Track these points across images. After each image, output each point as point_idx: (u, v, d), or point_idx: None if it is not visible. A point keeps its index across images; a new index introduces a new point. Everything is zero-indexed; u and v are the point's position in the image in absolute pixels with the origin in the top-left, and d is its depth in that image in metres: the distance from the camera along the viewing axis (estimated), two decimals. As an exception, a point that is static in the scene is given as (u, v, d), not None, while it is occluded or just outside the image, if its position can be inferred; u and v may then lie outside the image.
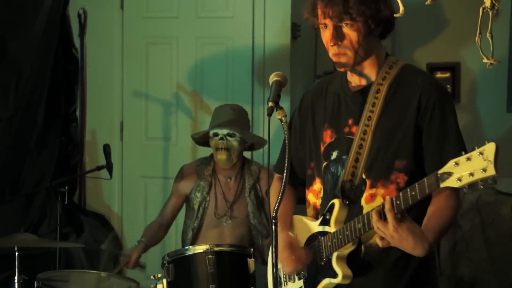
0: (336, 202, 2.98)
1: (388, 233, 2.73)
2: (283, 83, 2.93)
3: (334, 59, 2.97)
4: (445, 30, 5.98)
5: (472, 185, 2.54)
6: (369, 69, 3.02)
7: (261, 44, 5.85)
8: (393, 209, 2.70)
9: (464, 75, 5.99)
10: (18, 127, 5.57)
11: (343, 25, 2.91)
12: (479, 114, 5.96)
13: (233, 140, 4.66)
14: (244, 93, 5.89)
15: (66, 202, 4.74)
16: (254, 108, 5.85)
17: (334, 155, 3.03)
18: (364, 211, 2.90)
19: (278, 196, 2.75)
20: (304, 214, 3.20)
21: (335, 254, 2.95)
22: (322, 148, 3.09)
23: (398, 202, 2.70)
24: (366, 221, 2.82)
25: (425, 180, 2.64)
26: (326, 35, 2.96)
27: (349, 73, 3.06)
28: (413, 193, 2.67)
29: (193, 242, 4.70)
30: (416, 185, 2.66)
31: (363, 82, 3.04)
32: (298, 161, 3.25)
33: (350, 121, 3.01)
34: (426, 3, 2.82)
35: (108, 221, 6.14)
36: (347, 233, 2.89)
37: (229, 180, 4.76)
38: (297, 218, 3.23)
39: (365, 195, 2.96)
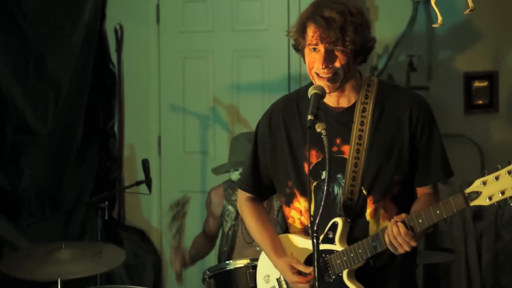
0: (339, 220, 3.07)
1: (406, 249, 2.91)
2: (322, 96, 2.99)
3: (321, 81, 3.02)
4: (482, 39, 5.94)
5: (500, 201, 2.73)
6: (349, 91, 3.11)
7: (297, 56, 5.82)
8: (415, 229, 2.88)
9: (502, 83, 5.94)
10: (57, 143, 5.61)
11: (334, 49, 2.99)
12: (518, 123, 5.92)
13: None
14: (281, 106, 5.88)
15: (106, 218, 4.76)
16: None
17: (325, 174, 3.06)
18: (370, 226, 3.07)
19: (320, 210, 2.81)
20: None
21: (345, 271, 3.05)
22: (308, 168, 3.10)
23: (420, 220, 2.88)
24: (382, 240, 2.96)
25: (451, 200, 2.80)
26: (314, 57, 3.02)
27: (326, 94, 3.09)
28: (438, 211, 2.84)
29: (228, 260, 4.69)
30: (441, 205, 2.83)
31: (344, 103, 3.13)
32: (266, 178, 3.31)
33: (337, 141, 3.09)
34: (465, 13, 2.79)
35: (147, 236, 6.15)
36: (360, 251, 3.01)
37: None
38: (285, 237, 3.28)
39: (368, 210, 3.08)
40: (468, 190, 2.77)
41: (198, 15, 6.14)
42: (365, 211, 3.07)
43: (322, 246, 3.09)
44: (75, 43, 5.71)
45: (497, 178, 2.71)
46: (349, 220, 3.07)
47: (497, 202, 2.73)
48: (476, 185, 2.75)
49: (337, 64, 3.00)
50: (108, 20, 6.17)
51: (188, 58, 6.18)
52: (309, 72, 3.08)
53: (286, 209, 3.27)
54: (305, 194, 3.15)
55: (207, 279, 4.05)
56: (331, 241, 3.07)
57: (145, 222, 6.22)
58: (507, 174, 2.69)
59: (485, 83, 5.95)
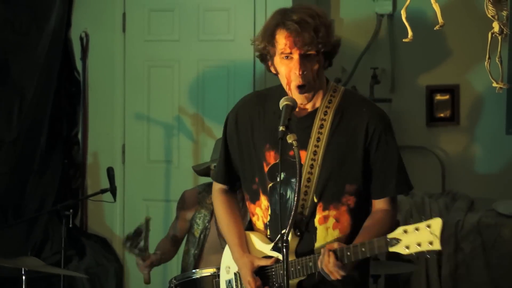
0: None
1: (336, 277, 2.95)
2: (293, 107, 3.02)
3: (298, 90, 3.04)
4: (444, 53, 6.03)
5: (418, 253, 2.79)
6: (316, 96, 3.13)
7: (262, 66, 5.83)
8: (344, 261, 2.92)
9: (463, 97, 6.03)
10: (21, 150, 5.57)
11: (307, 55, 3.00)
12: (478, 136, 5.99)
13: None
14: (245, 116, 5.90)
15: (70, 225, 4.75)
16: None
17: (281, 176, 3.07)
18: (318, 232, 3.09)
19: (291, 214, 2.92)
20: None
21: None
22: (266, 169, 3.16)
23: (348, 253, 2.92)
24: (317, 262, 2.99)
25: (375, 242, 2.87)
26: (289, 65, 3.02)
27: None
28: (363, 249, 2.90)
29: (195, 267, 4.69)
30: (367, 244, 2.89)
31: (309, 107, 3.14)
32: (237, 170, 3.33)
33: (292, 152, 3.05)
34: (435, 28, 2.85)
35: (110, 243, 6.13)
36: (298, 267, 3.05)
37: None
38: (248, 235, 3.31)
39: (318, 216, 3.11)
40: (390, 236, 2.82)
41: (164, 25, 6.15)
42: (314, 218, 3.10)
43: (271, 253, 3.15)
44: (40, 50, 5.68)
45: (417, 229, 2.77)
46: (298, 233, 3.10)
47: (415, 253, 2.78)
48: (398, 232, 2.81)
49: (313, 69, 3.02)
50: (73, 28, 6.14)
51: (154, 67, 6.18)
52: (286, 83, 3.07)
53: (251, 206, 3.28)
54: (265, 193, 3.17)
55: (173, 288, 4.06)
56: (279, 250, 3.06)
57: (108, 230, 6.20)
58: (427, 227, 2.75)
59: (446, 97, 6.03)
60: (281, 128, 2.91)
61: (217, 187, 3.43)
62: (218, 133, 5.92)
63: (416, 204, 5.62)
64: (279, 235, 3.04)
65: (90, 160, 6.26)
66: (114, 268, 6.05)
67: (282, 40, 3.00)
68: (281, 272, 3.07)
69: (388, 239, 2.83)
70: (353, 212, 3.12)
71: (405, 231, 2.79)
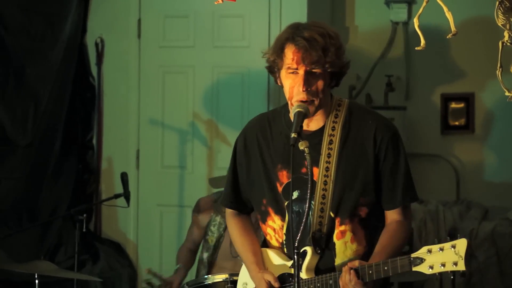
0: (309, 250, 3.10)
1: None
2: (306, 114, 3.02)
3: (299, 107, 3.03)
4: (460, 61, 6.02)
5: (441, 273, 2.76)
6: (320, 114, 3.13)
7: (277, 74, 5.89)
8: (366, 279, 2.91)
9: (478, 105, 6.02)
10: (35, 155, 5.59)
11: (314, 71, 3.00)
12: (493, 144, 5.98)
13: None
14: (259, 122, 5.90)
15: (84, 230, 4.76)
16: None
17: (295, 195, 3.11)
18: (336, 247, 3.10)
19: (301, 226, 2.94)
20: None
21: None
22: (280, 189, 3.16)
23: (370, 272, 2.91)
24: (337, 280, 2.99)
25: (398, 261, 2.85)
26: (294, 80, 3.03)
27: None
28: (386, 268, 2.88)
29: (208, 274, 4.70)
30: (389, 262, 2.87)
31: (313, 126, 3.14)
32: (246, 193, 3.33)
33: (306, 162, 3.04)
34: (447, 37, 2.84)
35: (123, 249, 6.14)
36: (318, 285, 3.05)
37: None
38: (264, 251, 3.31)
39: (336, 232, 3.11)
40: (414, 255, 2.81)
41: (179, 31, 6.16)
42: (333, 233, 3.10)
43: (290, 270, 3.13)
44: (55, 55, 5.71)
45: (441, 249, 2.75)
46: (318, 251, 3.10)
47: (438, 273, 2.76)
48: (422, 252, 2.80)
49: (317, 87, 3.03)
50: (89, 34, 6.17)
51: (168, 73, 6.19)
52: (289, 97, 3.08)
53: (263, 226, 3.29)
54: (279, 212, 3.18)
55: (186, 293, 4.07)
56: (299, 268, 3.05)
57: (121, 235, 6.21)
58: (452, 248, 2.72)
59: (461, 105, 6.02)
60: (293, 134, 2.92)
61: (229, 210, 3.45)
62: (232, 139, 5.91)
63: (430, 212, 5.60)
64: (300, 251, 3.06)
65: (104, 165, 6.28)
66: (127, 273, 6.05)
67: (290, 55, 3.02)
68: None
69: (411, 258, 2.81)
70: (364, 222, 3.12)
71: (429, 251, 2.78)
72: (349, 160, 3.08)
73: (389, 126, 3.16)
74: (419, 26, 2.87)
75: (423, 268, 2.78)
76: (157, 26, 6.20)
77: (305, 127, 3.10)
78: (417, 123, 5.91)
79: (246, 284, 3.38)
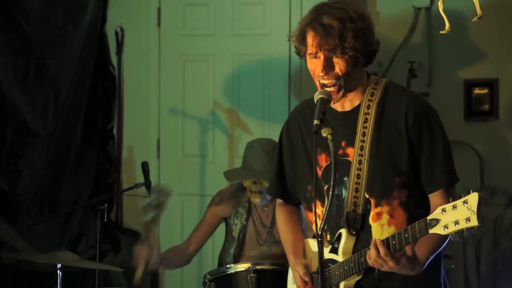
0: (344, 232, 3.06)
1: (387, 268, 2.87)
2: (328, 100, 2.99)
3: (321, 93, 3.00)
4: (483, 46, 5.95)
5: (458, 232, 2.66)
6: (355, 94, 3.10)
7: (298, 61, 5.83)
8: (390, 250, 2.84)
9: (502, 91, 5.95)
10: (56, 145, 5.60)
11: (334, 56, 2.98)
12: (518, 130, 5.92)
13: (266, 182, 4.51)
14: (280, 110, 5.88)
15: (105, 220, 4.75)
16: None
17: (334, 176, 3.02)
18: (372, 230, 3.03)
19: (325, 214, 2.86)
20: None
21: (342, 284, 3.06)
22: (320, 172, 3.13)
23: (394, 242, 2.84)
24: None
25: (416, 225, 2.77)
26: (315, 64, 3.02)
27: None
28: (406, 235, 2.80)
29: None
30: (409, 229, 2.79)
31: (347, 106, 3.12)
32: (292, 182, 3.33)
33: (343, 143, 3.07)
34: (473, 20, 2.79)
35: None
36: (351, 265, 3.00)
37: (265, 208, 4.69)
38: (310, 241, 3.29)
39: (371, 214, 3.05)
40: (430, 217, 2.72)
41: (199, 19, 6.14)
42: (368, 215, 3.04)
43: (329, 256, 3.10)
44: (76, 45, 5.70)
45: (454, 207, 2.65)
46: (353, 232, 3.05)
47: (454, 232, 2.66)
48: (437, 212, 2.70)
49: (337, 71, 2.99)
50: (109, 23, 6.16)
51: (189, 61, 6.17)
52: (314, 79, 3.07)
53: (309, 214, 3.25)
54: (319, 198, 3.14)
55: (208, 283, 4.05)
56: (336, 251, 3.07)
57: (143, 224, 6.20)
58: (464, 204, 2.62)
59: (485, 90, 5.95)
60: (315, 121, 2.87)
61: (278, 200, 3.48)
62: (253, 127, 5.96)
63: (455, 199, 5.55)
64: (335, 235, 3.06)
65: (125, 154, 6.27)
66: (149, 262, 6.04)
67: (310, 40, 3.00)
68: (337, 273, 3.05)
69: (427, 221, 2.72)
70: (406, 205, 3.04)
71: (443, 210, 2.67)
72: (383, 139, 3.03)
73: (423, 104, 3.09)
74: (443, 10, 2.82)
75: (438, 229, 2.69)
76: (177, 15, 6.18)
77: (340, 108, 3.11)
78: (440, 110, 5.70)
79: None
